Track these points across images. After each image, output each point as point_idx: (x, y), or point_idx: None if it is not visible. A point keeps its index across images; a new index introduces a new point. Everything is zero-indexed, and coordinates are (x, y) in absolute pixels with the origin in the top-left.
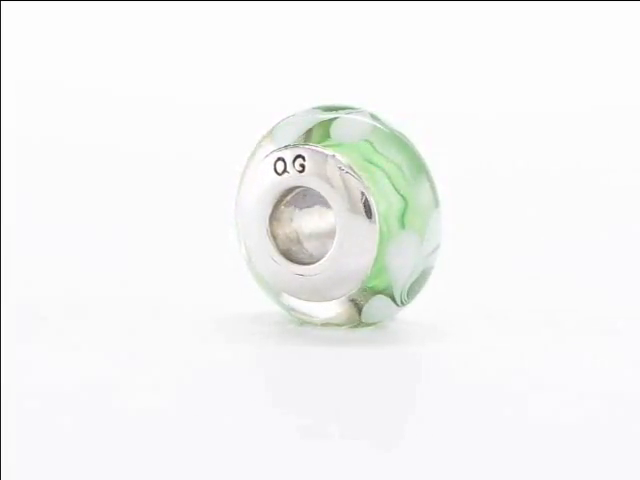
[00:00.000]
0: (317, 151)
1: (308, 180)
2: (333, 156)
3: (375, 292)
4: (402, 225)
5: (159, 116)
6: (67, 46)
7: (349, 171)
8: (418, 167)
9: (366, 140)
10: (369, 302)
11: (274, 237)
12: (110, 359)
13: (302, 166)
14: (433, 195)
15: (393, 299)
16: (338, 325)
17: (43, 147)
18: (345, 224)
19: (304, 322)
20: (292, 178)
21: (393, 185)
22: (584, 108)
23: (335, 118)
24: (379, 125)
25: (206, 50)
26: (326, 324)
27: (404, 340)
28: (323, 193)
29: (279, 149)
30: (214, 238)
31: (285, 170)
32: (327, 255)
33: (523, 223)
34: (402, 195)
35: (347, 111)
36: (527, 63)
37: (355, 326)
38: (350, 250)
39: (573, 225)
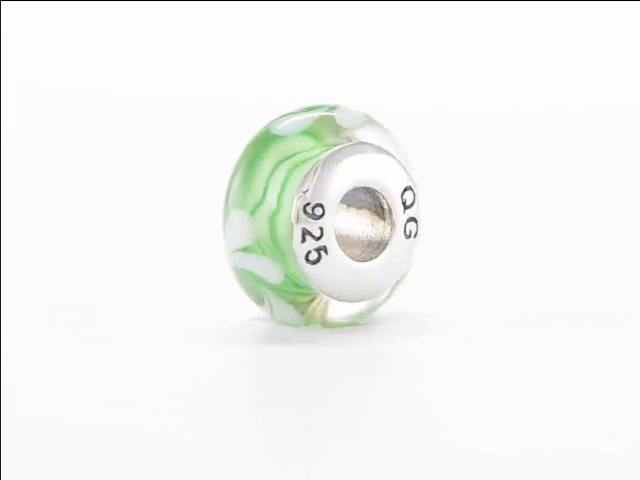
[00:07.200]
0: None
1: None
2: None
3: None
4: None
5: (151, 120)
6: (59, 45)
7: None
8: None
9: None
10: None
11: None
12: (106, 366)
13: None
14: (255, 200)
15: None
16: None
17: (50, 151)
18: None
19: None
20: None
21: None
22: (557, 114)
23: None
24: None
25: (198, 49)
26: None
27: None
28: None
29: None
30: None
31: None
32: None
33: (509, 218)
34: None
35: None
36: (518, 64)
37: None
38: None
39: (556, 220)
